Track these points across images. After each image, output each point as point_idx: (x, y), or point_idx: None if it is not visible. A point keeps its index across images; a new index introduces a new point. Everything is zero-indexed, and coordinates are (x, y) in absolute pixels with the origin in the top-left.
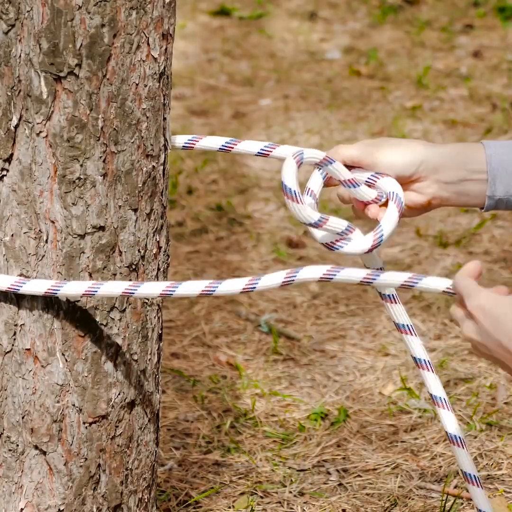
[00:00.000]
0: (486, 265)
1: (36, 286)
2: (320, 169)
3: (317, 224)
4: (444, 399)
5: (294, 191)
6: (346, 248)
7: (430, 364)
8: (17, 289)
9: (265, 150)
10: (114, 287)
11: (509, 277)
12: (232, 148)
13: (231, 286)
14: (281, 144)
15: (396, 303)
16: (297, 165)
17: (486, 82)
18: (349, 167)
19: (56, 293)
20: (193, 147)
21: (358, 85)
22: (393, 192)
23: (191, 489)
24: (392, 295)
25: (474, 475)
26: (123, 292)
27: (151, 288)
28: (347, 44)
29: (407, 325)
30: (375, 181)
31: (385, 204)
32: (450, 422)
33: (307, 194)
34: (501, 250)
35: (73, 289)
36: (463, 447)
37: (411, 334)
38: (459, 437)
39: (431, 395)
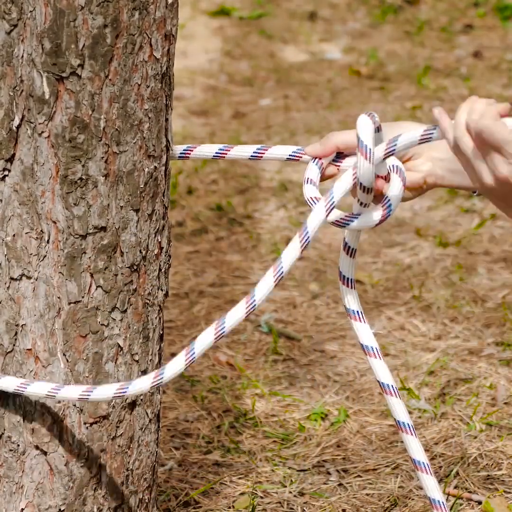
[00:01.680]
0: (486, 265)
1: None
2: (315, 160)
3: (370, 190)
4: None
5: (370, 149)
6: (357, 222)
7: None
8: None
9: (258, 153)
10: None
11: (509, 277)
12: (226, 154)
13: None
14: (274, 145)
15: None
16: (375, 127)
17: (486, 82)
18: (342, 154)
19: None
20: (188, 156)
21: (358, 85)
22: (394, 165)
23: (191, 489)
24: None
25: (424, 463)
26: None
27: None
28: (347, 44)
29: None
30: None
31: (386, 179)
32: (399, 409)
33: (308, 183)
34: (501, 250)
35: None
36: (413, 435)
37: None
38: (408, 424)
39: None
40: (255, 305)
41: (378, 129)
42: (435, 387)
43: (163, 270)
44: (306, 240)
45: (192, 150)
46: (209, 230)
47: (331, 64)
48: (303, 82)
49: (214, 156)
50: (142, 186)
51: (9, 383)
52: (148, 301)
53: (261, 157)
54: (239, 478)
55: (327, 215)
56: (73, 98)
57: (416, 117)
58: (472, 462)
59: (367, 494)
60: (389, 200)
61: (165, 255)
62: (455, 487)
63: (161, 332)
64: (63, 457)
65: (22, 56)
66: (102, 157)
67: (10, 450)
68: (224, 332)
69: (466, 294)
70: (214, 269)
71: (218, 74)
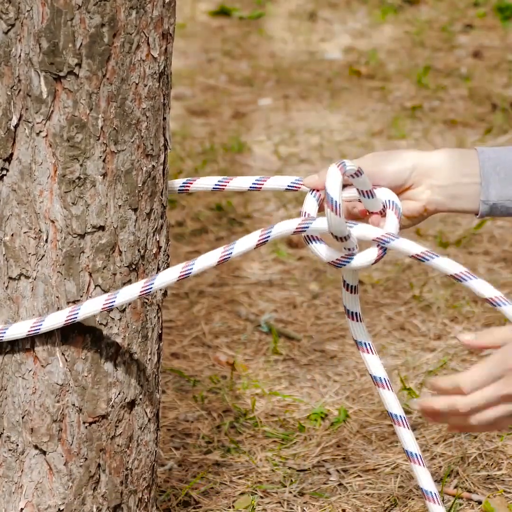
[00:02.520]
0: (486, 265)
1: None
2: (312, 192)
3: (346, 238)
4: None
5: (337, 202)
6: (354, 262)
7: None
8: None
9: (257, 184)
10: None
11: (509, 277)
12: (225, 186)
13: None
14: (272, 176)
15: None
16: (342, 175)
17: (486, 82)
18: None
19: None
20: (188, 189)
21: (358, 85)
22: (389, 201)
23: (191, 489)
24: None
25: (416, 454)
26: (103, 307)
27: (130, 291)
28: (347, 44)
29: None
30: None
31: (381, 214)
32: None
33: (305, 216)
34: (501, 250)
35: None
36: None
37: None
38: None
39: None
40: (268, 237)
41: (356, 174)
42: None
43: (161, 269)
44: (265, 239)
45: (191, 183)
46: (209, 230)
47: (331, 64)
48: (303, 82)
49: (213, 188)
50: (140, 185)
51: None
52: (146, 300)
53: (260, 188)
54: (239, 478)
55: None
56: (70, 97)
57: (416, 117)
58: (472, 462)
59: (367, 494)
60: None
61: (163, 255)
62: (455, 487)
63: (160, 332)
64: (62, 456)
65: (20, 56)
66: (100, 156)
67: (9, 449)
68: (230, 256)
69: (466, 294)
70: (214, 269)
71: (218, 74)
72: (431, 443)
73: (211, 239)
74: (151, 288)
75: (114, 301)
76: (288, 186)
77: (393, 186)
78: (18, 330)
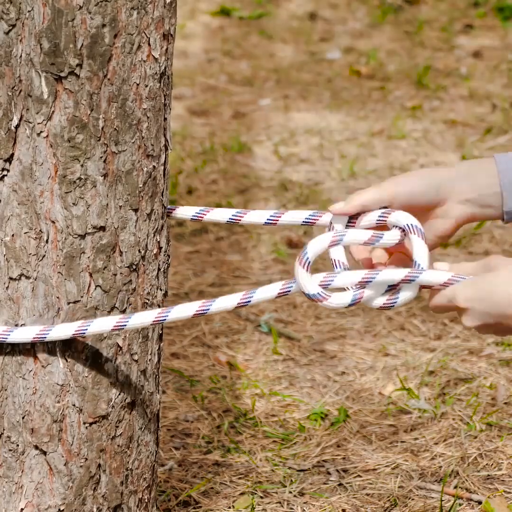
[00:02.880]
0: None
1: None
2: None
3: (314, 297)
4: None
5: (309, 260)
6: (400, 301)
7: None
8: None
9: (272, 219)
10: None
11: None
12: (240, 219)
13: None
14: (287, 210)
15: None
16: (307, 270)
17: (486, 82)
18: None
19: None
20: (201, 219)
21: (358, 85)
22: (410, 225)
23: (191, 489)
24: None
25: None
26: (113, 327)
27: (143, 318)
28: (347, 44)
29: None
30: (387, 218)
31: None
32: None
33: (337, 267)
34: (501, 250)
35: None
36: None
37: None
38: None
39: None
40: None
41: (331, 246)
42: (435, 387)
43: (162, 269)
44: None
45: (206, 213)
46: (209, 230)
47: (331, 64)
48: (303, 82)
49: (228, 221)
50: (141, 185)
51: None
52: (147, 301)
53: (276, 223)
54: (239, 478)
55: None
56: (71, 98)
57: (416, 117)
58: (472, 462)
59: (367, 494)
60: (419, 265)
61: (164, 255)
62: (455, 487)
63: (160, 332)
64: (63, 457)
65: (21, 56)
66: (101, 157)
67: (10, 450)
68: (249, 302)
69: None
70: (214, 269)
71: (218, 74)
72: (431, 443)
73: (211, 239)
74: (165, 319)
75: (126, 324)
76: (303, 221)
77: (421, 205)
78: (23, 335)
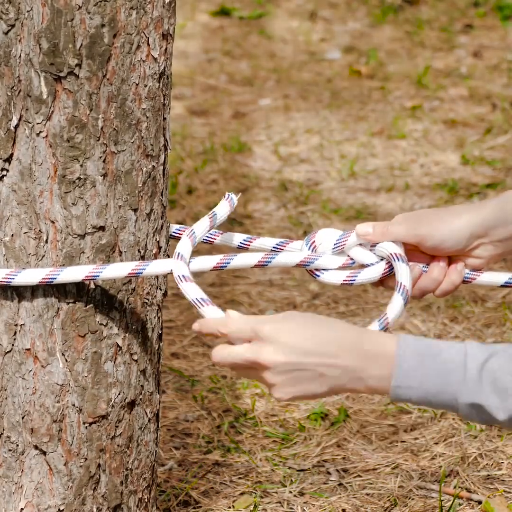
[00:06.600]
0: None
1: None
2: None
3: (197, 302)
4: None
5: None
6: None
7: None
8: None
9: (279, 247)
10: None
11: None
12: (249, 245)
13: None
14: (294, 240)
15: None
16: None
17: (486, 82)
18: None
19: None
20: (212, 242)
21: (358, 85)
22: (394, 254)
23: (191, 489)
24: None
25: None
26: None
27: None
28: (347, 44)
29: None
30: (344, 244)
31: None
32: None
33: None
34: None
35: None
36: None
37: None
38: None
39: None
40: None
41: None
42: None
43: None
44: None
45: (217, 236)
46: None
47: (331, 64)
48: (303, 82)
49: (238, 246)
50: (140, 185)
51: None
52: (146, 301)
53: (282, 249)
54: (239, 478)
55: None
56: (71, 98)
57: (416, 117)
58: (472, 462)
59: (367, 494)
60: (386, 317)
61: (163, 255)
62: (455, 487)
63: (160, 332)
64: (62, 456)
65: (20, 56)
66: (100, 157)
67: (9, 450)
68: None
69: (466, 294)
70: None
71: (218, 74)
72: (431, 443)
73: None
74: (141, 273)
75: (142, 271)
76: (273, 247)
77: (453, 251)
78: (28, 277)
